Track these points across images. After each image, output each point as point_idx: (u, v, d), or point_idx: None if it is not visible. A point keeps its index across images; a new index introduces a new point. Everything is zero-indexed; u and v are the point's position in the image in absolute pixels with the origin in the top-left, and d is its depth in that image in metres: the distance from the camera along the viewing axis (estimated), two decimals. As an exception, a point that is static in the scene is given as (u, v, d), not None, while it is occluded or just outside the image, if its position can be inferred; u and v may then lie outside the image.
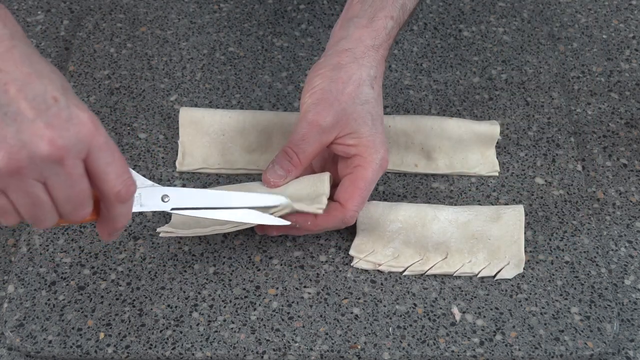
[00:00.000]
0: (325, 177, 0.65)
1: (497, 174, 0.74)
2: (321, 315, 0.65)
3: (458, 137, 0.74)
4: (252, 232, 0.69)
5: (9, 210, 0.51)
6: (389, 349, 0.63)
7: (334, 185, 0.67)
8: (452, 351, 0.63)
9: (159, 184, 0.72)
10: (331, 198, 0.65)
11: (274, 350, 0.62)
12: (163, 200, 0.60)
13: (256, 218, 0.63)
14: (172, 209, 0.61)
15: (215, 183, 0.73)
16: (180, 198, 0.61)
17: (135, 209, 0.58)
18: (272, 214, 0.63)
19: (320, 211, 0.63)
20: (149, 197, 0.60)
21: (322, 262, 0.68)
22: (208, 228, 0.65)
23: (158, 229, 0.65)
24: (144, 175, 0.73)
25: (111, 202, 0.53)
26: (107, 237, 0.56)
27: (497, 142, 0.75)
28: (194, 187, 0.72)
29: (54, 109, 0.48)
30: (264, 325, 0.64)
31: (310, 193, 0.64)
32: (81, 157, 0.50)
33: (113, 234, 0.56)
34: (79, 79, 0.80)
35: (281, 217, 0.63)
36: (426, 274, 0.67)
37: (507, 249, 0.67)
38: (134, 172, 0.57)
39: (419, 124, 0.74)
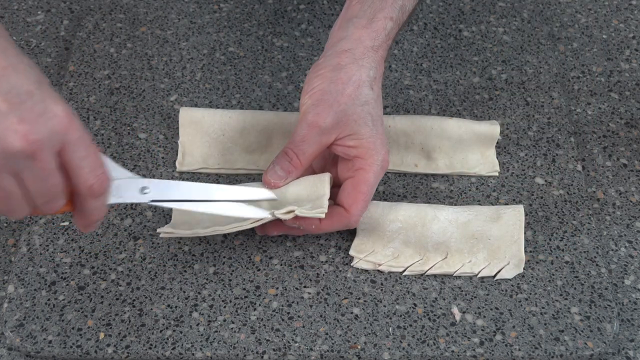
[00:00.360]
0: (326, 178, 0.65)
1: (497, 174, 0.74)
2: (321, 315, 0.65)
3: (458, 137, 0.74)
4: (252, 232, 0.69)
5: None
6: (389, 349, 0.63)
7: (335, 185, 0.67)
8: (452, 351, 0.63)
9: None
10: (332, 198, 0.65)
11: (274, 350, 0.62)
12: (143, 192, 0.59)
13: (239, 211, 0.62)
14: (152, 200, 0.60)
15: (215, 183, 0.73)
16: (160, 190, 0.60)
17: (114, 200, 0.58)
18: (275, 218, 0.63)
19: (323, 215, 0.63)
20: (127, 188, 0.59)
21: (322, 262, 0.68)
22: (209, 229, 0.64)
23: (158, 230, 0.65)
24: (144, 176, 0.73)
25: (85, 196, 0.53)
26: (84, 229, 0.57)
27: (497, 142, 0.75)
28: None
29: (28, 103, 0.48)
30: (264, 325, 0.64)
31: (310, 194, 0.64)
32: (55, 150, 0.50)
33: (89, 225, 0.56)
34: (79, 79, 0.80)
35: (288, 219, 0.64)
36: (426, 274, 0.67)
37: (507, 249, 0.67)
38: (111, 162, 0.56)
39: (419, 124, 0.74)
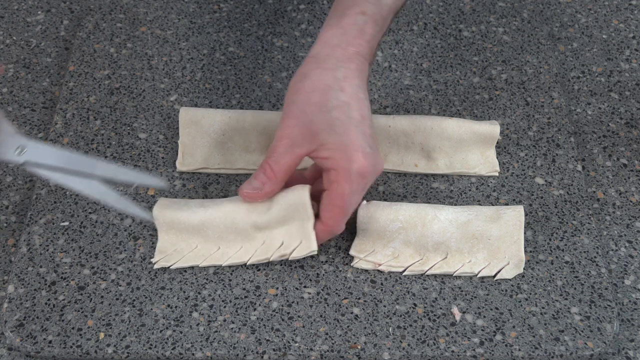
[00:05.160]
0: (310, 221, 0.64)
1: (497, 174, 0.74)
2: (321, 315, 0.65)
3: (458, 137, 0.74)
4: (252, 232, 0.69)
5: None
6: (389, 349, 0.63)
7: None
8: (452, 351, 0.63)
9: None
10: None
11: (274, 350, 0.62)
12: (18, 152, 0.57)
13: (116, 202, 0.61)
14: (27, 162, 0.57)
15: (215, 183, 0.73)
16: (38, 153, 0.57)
17: None
18: (269, 258, 0.65)
19: (314, 252, 0.64)
20: (6, 145, 0.56)
21: (322, 262, 0.68)
22: (205, 262, 0.67)
23: (153, 260, 0.67)
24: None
25: None
26: None
27: (497, 142, 0.75)
28: (193, 187, 0.72)
29: None
30: (264, 325, 0.64)
31: (298, 230, 0.65)
32: None
33: None
34: (79, 79, 0.80)
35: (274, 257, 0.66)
36: (426, 273, 0.67)
37: (507, 249, 0.67)
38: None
39: (419, 124, 0.74)
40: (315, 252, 0.64)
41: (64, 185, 0.59)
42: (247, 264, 0.67)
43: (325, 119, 0.62)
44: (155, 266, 0.66)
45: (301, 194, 0.64)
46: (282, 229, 0.66)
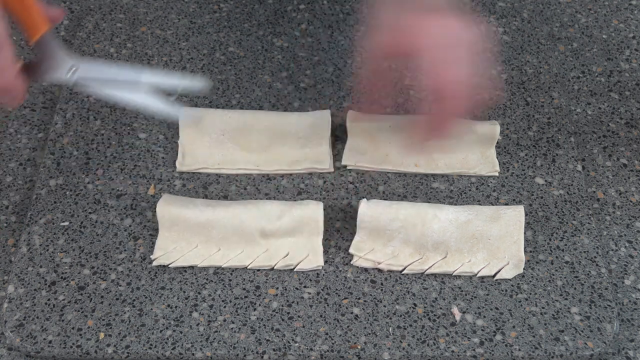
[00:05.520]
0: (319, 237, 0.67)
1: (497, 174, 0.74)
2: (321, 315, 0.65)
3: (458, 137, 0.74)
4: (252, 232, 0.69)
5: None
6: (389, 349, 0.63)
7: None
8: (452, 351, 0.63)
9: (158, 184, 0.72)
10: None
11: (274, 350, 0.62)
12: (69, 72, 0.60)
13: (161, 106, 0.62)
14: (79, 78, 0.60)
15: (215, 183, 0.73)
16: (87, 70, 0.60)
17: (40, 79, 0.59)
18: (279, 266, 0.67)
19: (320, 266, 0.67)
20: (57, 68, 0.60)
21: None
22: (205, 262, 0.67)
23: (152, 257, 0.67)
24: (144, 176, 0.73)
25: None
26: (3, 102, 0.57)
27: (497, 142, 0.75)
28: (193, 187, 0.72)
29: None
30: (264, 325, 0.64)
31: (306, 244, 0.68)
32: None
33: (4, 93, 0.56)
34: (79, 79, 0.80)
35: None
36: (425, 273, 0.67)
37: (507, 249, 0.67)
38: (54, 43, 0.58)
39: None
40: (321, 267, 0.67)
41: (113, 97, 0.62)
42: (247, 268, 0.67)
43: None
44: (154, 263, 0.66)
45: (315, 209, 0.67)
46: (289, 240, 0.67)
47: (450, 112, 0.61)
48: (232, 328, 0.64)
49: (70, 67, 0.60)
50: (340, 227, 0.70)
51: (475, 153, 0.75)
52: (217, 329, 0.63)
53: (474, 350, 0.63)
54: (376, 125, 0.74)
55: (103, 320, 0.64)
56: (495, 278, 0.67)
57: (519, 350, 0.63)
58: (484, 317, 0.65)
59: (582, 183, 0.74)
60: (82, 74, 0.60)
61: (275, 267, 0.67)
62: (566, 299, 0.66)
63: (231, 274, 0.67)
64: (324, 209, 0.69)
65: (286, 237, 0.67)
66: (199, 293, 0.66)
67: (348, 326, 0.64)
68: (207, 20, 0.87)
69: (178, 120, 0.70)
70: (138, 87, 0.61)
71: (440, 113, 0.61)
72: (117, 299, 0.65)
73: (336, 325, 0.64)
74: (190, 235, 0.67)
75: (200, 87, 0.63)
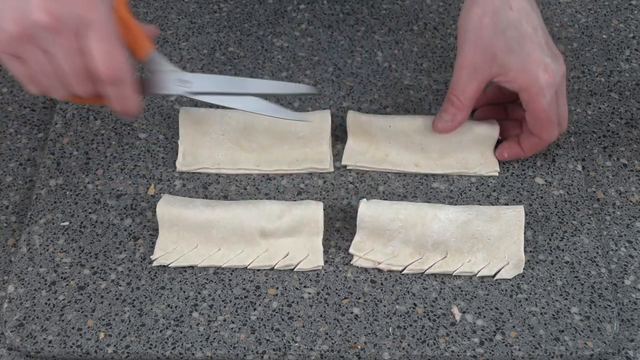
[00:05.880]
0: (319, 236, 0.68)
1: (497, 173, 0.74)
2: (321, 315, 0.65)
3: (458, 137, 0.74)
4: (252, 232, 0.69)
5: (28, 77, 0.56)
6: (389, 349, 0.63)
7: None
8: (452, 351, 0.63)
9: (158, 184, 0.72)
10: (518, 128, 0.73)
11: (274, 350, 0.62)
12: (182, 85, 0.63)
13: (273, 111, 0.66)
14: (190, 92, 0.63)
15: (215, 183, 0.73)
16: (198, 83, 0.64)
17: (152, 91, 0.62)
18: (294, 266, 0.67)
19: (320, 266, 0.67)
20: (168, 81, 0.63)
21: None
22: (204, 262, 0.67)
23: (152, 257, 0.67)
24: (144, 176, 0.73)
25: (100, 82, 0.56)
26: (120, 116, 0.60)
27: (497, 142, 0.75)
28: (193, 187, 0.72)
29: None
30: (264, 325, 0.64)
31: (306, 243, 0.68)
32: (75, 30, 0.53)
33: (125, 114, 0.60)
34: (79, 79, 0.80)
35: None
36: (425, 273, 0.67)
37: (507, 249, 0.67)
38: (158, 55, 0.61)
39: (418, 124, 0.74)
40: (321, 267, 0.67)
41: (224, 105, 0.66)
42: (247, 268, 0.67)
43: (501, 40, 0.65)
44: (154, 263, 0.66)
45: (315, 209, 0.67)
46: (289, 240, 0.67)
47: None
48: (232, 328, 0.64)
49: (182, 80, 0.63)
50: (340, 227, 0.70)
51: (475, 153, 0.75)
52: (217, 329, 0.63)
53: (474, 350, 0.63)
54: (376, 125, 0.74)
55: (103, 320, 0.64)
56: (495, 278, 0.67)
57: (519, 350, 0.63)
58: (484, 317, 0.65)
59: (582, 183, 0.74)
60: (194, 87, 0.64)
61: (275, 267, 0.67)
62: (566, 299, 0.66)
63: (231, 274, 0.67)
64: (324, 209, 0.69)
65: (286, 237, 0.67)
66: (199, 293, 0.66)
67: (348, 326, 0.64)
68: (207, 20, 0.87)
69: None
70: (248, 97, 0.65)
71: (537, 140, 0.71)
72: (117, 299, 0.65)
73: (336, 325, 0.64)
74: (190, 236, 0.67)
75: (308, 91, 0.66)
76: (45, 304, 0.65)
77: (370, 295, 0.66)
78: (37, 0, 0.52)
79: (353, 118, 0.75)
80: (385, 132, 0.74)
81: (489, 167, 0.74)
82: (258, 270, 0.67)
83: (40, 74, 0.56)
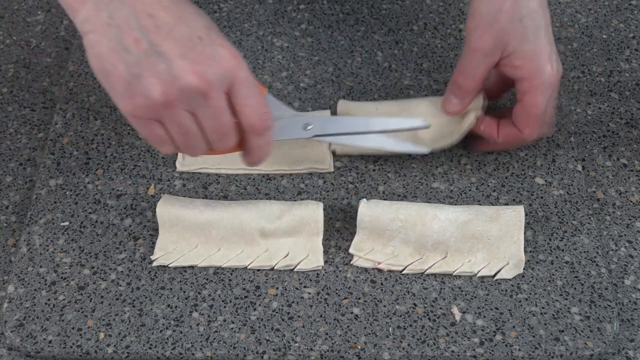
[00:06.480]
0: (319, 237, 0.68)
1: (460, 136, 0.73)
2: (321, 315, 0.65)
3: (446, 116, 0.73)
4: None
5: (166, 139, 0.57)
6: (389, 349, 0.63)
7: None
8: (452, 351, 0.63)
9: (158, 184, 0.72)
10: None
11: (274, 350, 0.62)
12: (306, 129, 0.65)
13: (395, 146, 0.67)
14: (315, 135, 0.65)
15: (215, 183, 0.73)
16: (322, 125, 0.65)
17: (279, 137, 0.63)
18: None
19: (320, 266, 0.67)
20: (292, 125, 0.64)
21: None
22: (204, 262, 0.67)
23: (152, 257, 0.67)
24: (144, 176, 0.73)
25: (249, 134, 0.58)
26: (251, 165, 0.62)
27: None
28: (193, 187, 0.72)
29: (199, 47, 0.54)
30: (264, 325, 0.64)
31: (306, 244, 0.68)
32: (224, 90, 0.54)
33: (256, 163, 0.61)
34: (79, 79, 0.80)
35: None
36: (425, 273, 0.67)
37: (507, 249, 0.67)
38: (276, 101, 0.63)
39: (404, 106, 0.74)
40: (321, 267, 0.67)
41: (350, 145, 0.69)
42: (247, 268, 0.67)
43: (517, 28, 0.65)
44: (154, 264, 0.66)
45: (315, 209, 0.67)
46: (289, 240, 0.67)
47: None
48: (232, 328, 0.64)
49: (305, 124, 0.65)
50: (340, 227, 0.70)
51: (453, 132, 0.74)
52: (217, 329, 0.63)
53: (474, 350, 0.63)
54: (364, 110, 0.75)
55: (103, 320, 0.64)
56: (495, 278, 0.67)
57: (519, 350, 0.63)
58: (484, 317, 0.65)
59: (582, 183, 0.74)
60: (316, 130, 0.65)
61: (275, 267, 0.67)
62: (566, 299, 0.66)
63: (231, 274, 0.67)
64: (324, 209, 0.69)
65: (286, 237, 0.67)
66: (199, 293, 0.66)
67: (348, 326, 0.64)
68: (207, 20, 0.87)
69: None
70: (370, 135, 0.66)
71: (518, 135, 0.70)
72: (117, 299, 0.65)
73: (336, 325, 0.64)
74: (190, 236, 0.67)
75: (424, 125, 0.66)
76: (45, 304, 0.65)
77: (370, 295, 0.66)
78: (183, 64, 0.52)
79: (344, 106, 0.76)
80: (372, 115, 0.75)
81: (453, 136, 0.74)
82: (258, 270, 0.67)
83: (180, 134, 0.56)
